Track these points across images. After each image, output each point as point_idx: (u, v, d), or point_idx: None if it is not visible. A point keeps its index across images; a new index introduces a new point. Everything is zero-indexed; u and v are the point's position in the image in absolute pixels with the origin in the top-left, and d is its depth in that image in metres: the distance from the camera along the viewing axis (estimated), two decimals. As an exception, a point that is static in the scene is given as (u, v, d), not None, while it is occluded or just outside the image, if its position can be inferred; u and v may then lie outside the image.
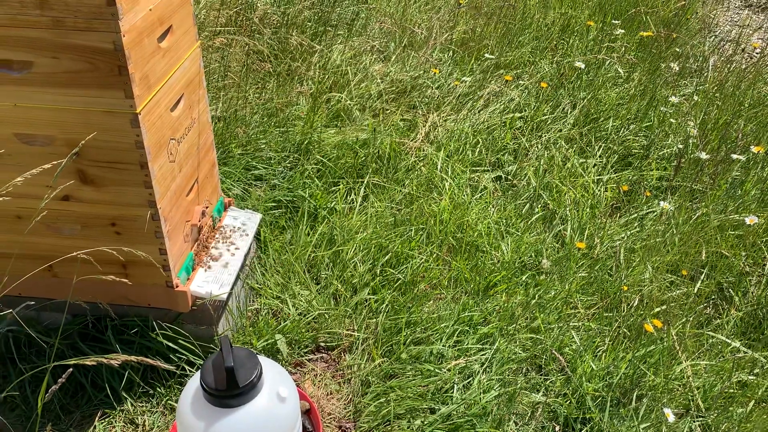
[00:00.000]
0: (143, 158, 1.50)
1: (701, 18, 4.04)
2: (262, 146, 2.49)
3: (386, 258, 2.10)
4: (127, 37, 1.36)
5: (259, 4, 3.26)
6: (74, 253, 1.55)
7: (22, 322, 1.75)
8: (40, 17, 1.34)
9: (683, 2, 3.91)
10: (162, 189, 1.60)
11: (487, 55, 3.17)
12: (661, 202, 2.25)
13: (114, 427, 1.67)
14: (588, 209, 2.43)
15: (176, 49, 1.65)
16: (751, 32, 4.17)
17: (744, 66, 3.28)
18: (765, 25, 4.48)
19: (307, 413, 1.61)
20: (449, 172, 2.57)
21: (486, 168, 2.69)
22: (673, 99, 2.74)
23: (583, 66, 2.94)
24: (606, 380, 1.77)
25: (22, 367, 1.72)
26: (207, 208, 1.93)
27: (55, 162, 1.41)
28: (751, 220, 2.05)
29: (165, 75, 1.59)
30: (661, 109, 2.80)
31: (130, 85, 1.40)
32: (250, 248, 2.00)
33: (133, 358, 1.14)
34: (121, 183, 1.55)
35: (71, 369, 1.13)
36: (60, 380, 1.08)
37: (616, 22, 3.27)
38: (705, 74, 3.17)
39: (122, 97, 1.42)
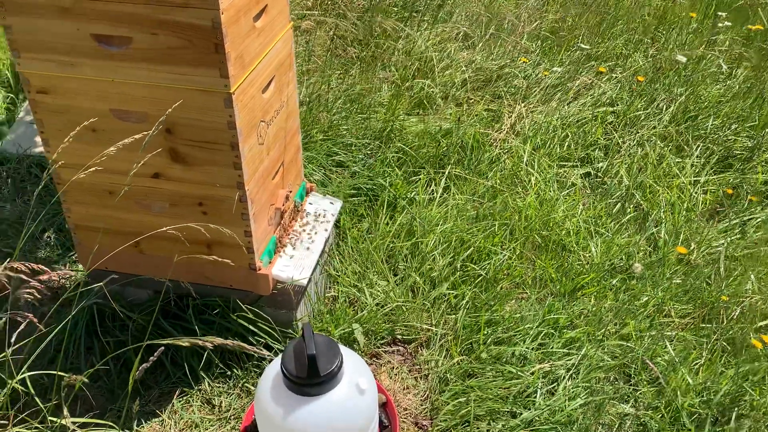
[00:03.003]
0: (234, 139, 1.49)
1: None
2: (344, 132, 2.45)
3: (467, 253, 2.03)
4: (225, 15, 1.34)
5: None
6: (162, 229, 1.55)
7: (109, 295, 1.78)
8: (141, -8, 1.33)
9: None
10: (250, 171, 1.58)
11: (581, 45, 3.03)
12: (770, 209, 2.09)
13: (191, 405, 1.67)
14: (684, 212, 2.28)
15: (270, 30, 1.62)
16: None
17: None
18: None
19: (384, 406, 1.57)
20: (535, 167, 2.47)
21: (575, 163, 2.57)
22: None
23: (683, 60, 2.76)
24: (703, 396, 1.65)
25: (104, 341, 1.75)
26: (291, 192, 1.90)
27: (146, 135, 1.41)
28: None
29: (258, 55, 1.56)
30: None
31: (225, 64, 1.38)
32: (329, 235, 1.97)
33: (229, 342, 1.11)
34: (211, 163, 1.54)
35: (162, 348, 1.12)
36: (151, 359, 1.07)
37: (722, 14, 3.06)
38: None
39: (217, 75, 1.40)
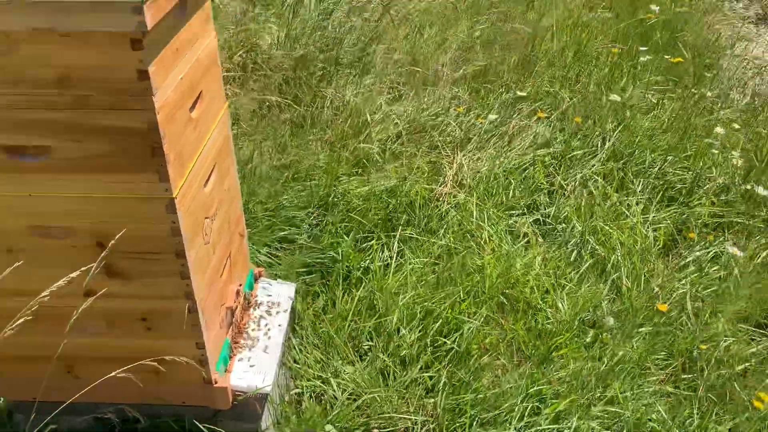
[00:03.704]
0: (179, 246, 1.31)
1: (715, 35, 3.93)
2: (285, 203, 2.30)
3: (436, 326, 1.91)
4: (161, 114, 1.18)
5: (265, 47, 3.09)
6: (99, 354, 1.35)
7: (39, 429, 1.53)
8: (59, 96, 1.15)
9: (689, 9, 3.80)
10: (199, 277, 1.40)
11: (517, 92, 3.01)
12: (729, 247, 2.09)
13: None
14: (640, 254, 2.26)
15: (206, 117, 1.46)
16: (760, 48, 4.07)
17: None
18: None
19: None
20: (485, 220, 2.39)
21: (522, 211, 2.52)
22: (719, 130, 2.60)
23: (617, 99, 2.79)
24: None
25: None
26: (240, 285, 1.73)
27: (74, 249, 1.21)
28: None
29: (197, 148, 1.40)
30: (706, 141, 2.65)
31: (165, 167, 1.21)
32: (287, 326, 1.80)
33: None
34: (154, 274, 1.35)
35: None
36: None
37: (643, 48, 3.14)
38: (740, 99, 3.05)
39: (156, 180, 1.23)
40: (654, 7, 3.38)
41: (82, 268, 1.25)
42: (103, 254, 1.27)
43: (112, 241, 1.25)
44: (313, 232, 2.23)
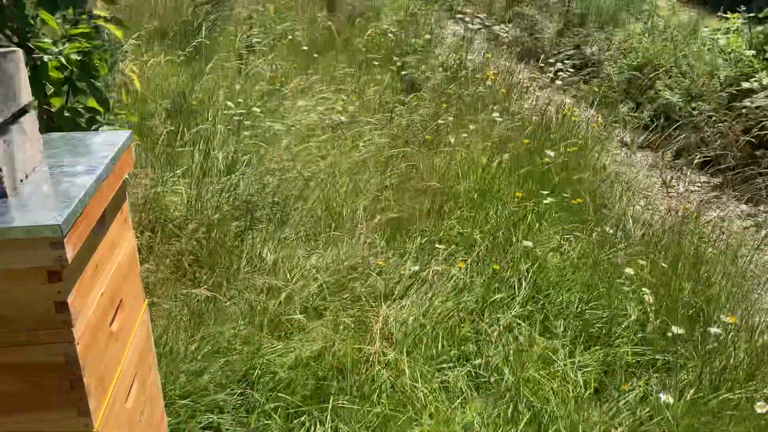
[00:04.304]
0: (100, 483, 1.15)
1: (603, 167, 4.26)
2: (206, 384, 2.14)
3: None
4: (81, 343, 1.07)
5: (172, 208, 3.02)
6: None
7: None
8: (-40, 336, 1.02)
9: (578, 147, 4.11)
10: None
11: (438, 245, 3.06)
12: (661, 395, 2.13)
13: None
14: (573, 401, 2.26)
15: (127, 325, 1.35)
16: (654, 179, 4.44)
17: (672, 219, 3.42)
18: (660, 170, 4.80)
19: None
20: (419, 378, 2.33)
21: (453, 363, 2.48)
22: (628, 270, 2.74)
23: (530, 245, 2.90)
24: None
25: None
26: (166, 499, 1.55)
27: None
28: (761, 407, 1.96)
29: (118, 362, 1.28)
30: (617, 280, 2.78)
31: (85, 400, 1.09)
32: None
33: None
34: None
35: None
36: None
37: (544, 192, 3.33)
38: (638, 234, 3.26)
39: (75, 415, 1.10)
40: (550, 152, 3.64)
41: None
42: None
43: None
44: (238, 415, 2.08)
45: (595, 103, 5.38)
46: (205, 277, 2.74)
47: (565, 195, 3.48)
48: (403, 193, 3.59)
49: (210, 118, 4.07)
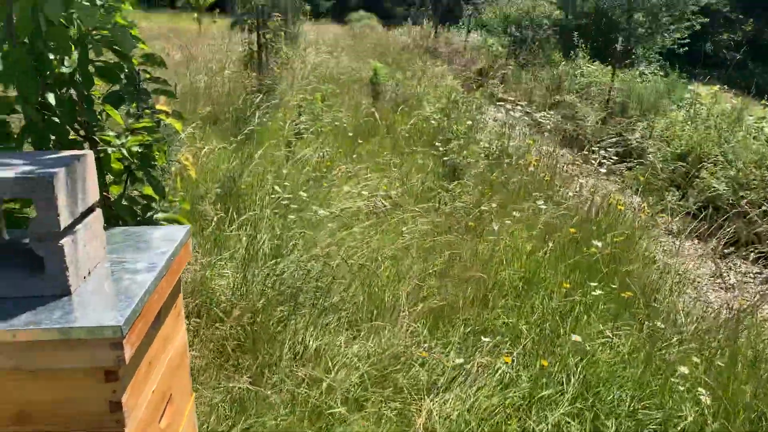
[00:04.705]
0: None
1: (651, 258, 4.17)
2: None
3: None
4: (132, 445, 1.06)
5: (220, 293, 3.05)
6: None
7: None
8: (16, 436, 1.03)
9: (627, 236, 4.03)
10: None
11: (484, 338, 3.00)
12: None
13: None
14: None
15: (175, 419, 1.34)
16: (696, 266, 4.32)
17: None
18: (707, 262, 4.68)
19: None
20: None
21: (499, 465, 2.38)
22: (682, 369, 2.63)
23: (579, 339, 2.82)
24: None
25: None
26: None
27: None
28: None
29: (164, 462, 1.26)
30: (671, 379, 2.66)
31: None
32: None
33: None
34: None
35: None
36: None
37: (593, 284, 3.27)
38: (690, 329, 3.14)
39: None
40: (597, 243, 3.60)
41: None
42: None
43: None
44: None
45: (640, 191, 5.34)
46: (247, 364, 2.73)
47: (613, 287, 3.40)
48: (446, 281, 3.56)
49: (258, 202, 4.17)
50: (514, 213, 4.20)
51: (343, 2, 35.60)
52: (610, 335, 3.04)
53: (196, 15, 17.99)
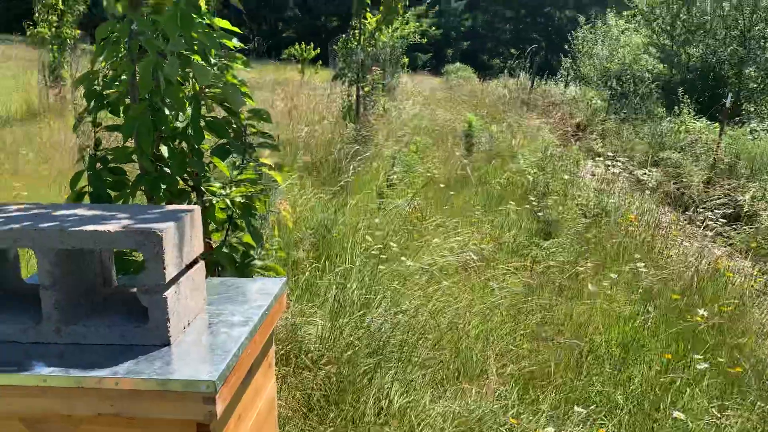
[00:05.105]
0: None
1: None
2: None
3: None
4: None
5: (308, 341, 3.08)
6: None
7: None
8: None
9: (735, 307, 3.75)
10: None
11: (577, 407, 2.86)
12: None
13: None
14: None
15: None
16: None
17: None
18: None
19: None
20: None
21: None
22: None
23: (683, 416, 2.63)
24: None
25: None
26: None
27: None
28: None
29: None
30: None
31: None
32: None
33: None
34: None
35: None
36: None
37: (698, 356, 3.05)
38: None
39: None
40: (702, 311, 3.37)
41: None
42: None
43: None
44: None
45: (751, 256, 4.99)
46: (332, 416, 2.72)
47: (720, 360, 3.16)
48: (537, 343, 3.44)
49: (349, 251, 4.23)
50: (612, 275, 4.02)
51: (440, 54, 36.34)
52: (717, 414, 2.80)
53: (300, 66, 18.88)
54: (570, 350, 3.35)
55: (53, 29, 9.45)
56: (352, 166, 5.63)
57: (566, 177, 6.82)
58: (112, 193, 2.13)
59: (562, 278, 4.04)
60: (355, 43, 8.05)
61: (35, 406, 1.05)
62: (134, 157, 2.08)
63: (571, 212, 5.57)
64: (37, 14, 9.39)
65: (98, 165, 2.10)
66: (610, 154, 8.17)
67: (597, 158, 8.24)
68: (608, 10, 20.48)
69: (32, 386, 1.03)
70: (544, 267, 4.13)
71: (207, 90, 2.01)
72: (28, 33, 9.66)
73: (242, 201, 2.25)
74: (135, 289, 1.23)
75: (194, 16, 1.75)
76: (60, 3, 9.32)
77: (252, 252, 2.48)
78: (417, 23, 15.61)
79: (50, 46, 9.58)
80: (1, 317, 1.17)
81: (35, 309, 1.15)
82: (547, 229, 5.18)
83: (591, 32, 20.38)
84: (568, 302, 3.77)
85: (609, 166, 7.33)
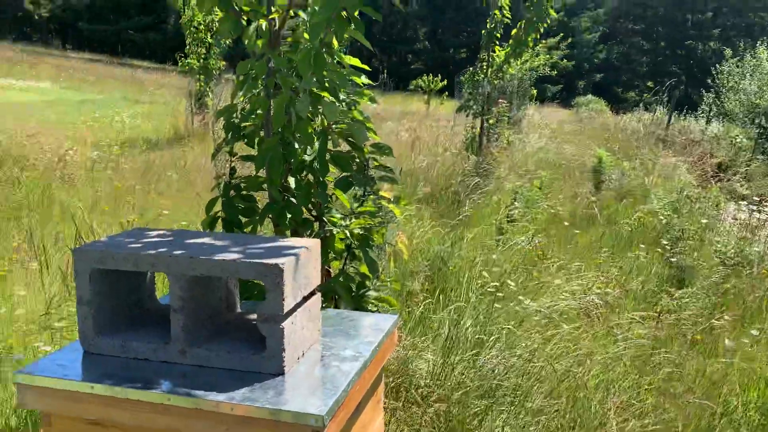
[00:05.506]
0: None
1: None
2: None
3: None
4: None
5: (418, 376, 3.06)
6: None
7: None
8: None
9: None
10: None
11: None
12: None
13: None
14: None
15: None
16: None
17: None
18: None
19: None
20: None
21: None
22: None
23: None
24: None
25: None
26: None
27: None
28: None
29: None
30: None
31: None
32: None
33: None
34: None
35: None
36: None
37: None
38: None
39: None
40: None
41: None
42: None
43: None
44: None
45: None
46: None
47: None
48: (664, 399, 3.19)
49: (464, 286, 4.18)
50: (753, 331, 3.67)
51: (571, 86, 35.44)
52: None
53: (426, 97, 19.18)
54: (701, 411, 3.08)
55: (201, 60, 10.30)
56: (471, 199, 5.59)
57: (704, 221, 6.36)
58: (243, 219, 2.25)
59: (694, 331, 3.74)
60: (482, 76, 8.05)
61: (160, 422, 1.11)
62: (264, 186, 2.20)
63: (707, 260, 5.17)
64: (188, 47, 10.29)
65: (232, 192, 2.23)
66: (756, 198, 7.53)
67: (740, 202, 7.62)
68: (759, 42, 19.05)
69: (158, 404, 1.10)
70: (675, 318, 3.85)
71: (334, 125, 2.09)
72: (180, 63, 10.59)
73: (361, 233, 2.30)
74: (255, 316, 1.28)
75: (326, 55, 1.83)
76: (209, 37, 10.15)
77: (368, 282, 2.52)
78: (547, 56, 15.37)
79: (198, 76, 10.44)
80: (137, 335, 1.26)
81: (166, 329, 1.23)
82: (679, 276, 4.84)
83: (738, 66, 19.04)
84: (700, 358, 3.48)
85: (754, 210, 6.75)
